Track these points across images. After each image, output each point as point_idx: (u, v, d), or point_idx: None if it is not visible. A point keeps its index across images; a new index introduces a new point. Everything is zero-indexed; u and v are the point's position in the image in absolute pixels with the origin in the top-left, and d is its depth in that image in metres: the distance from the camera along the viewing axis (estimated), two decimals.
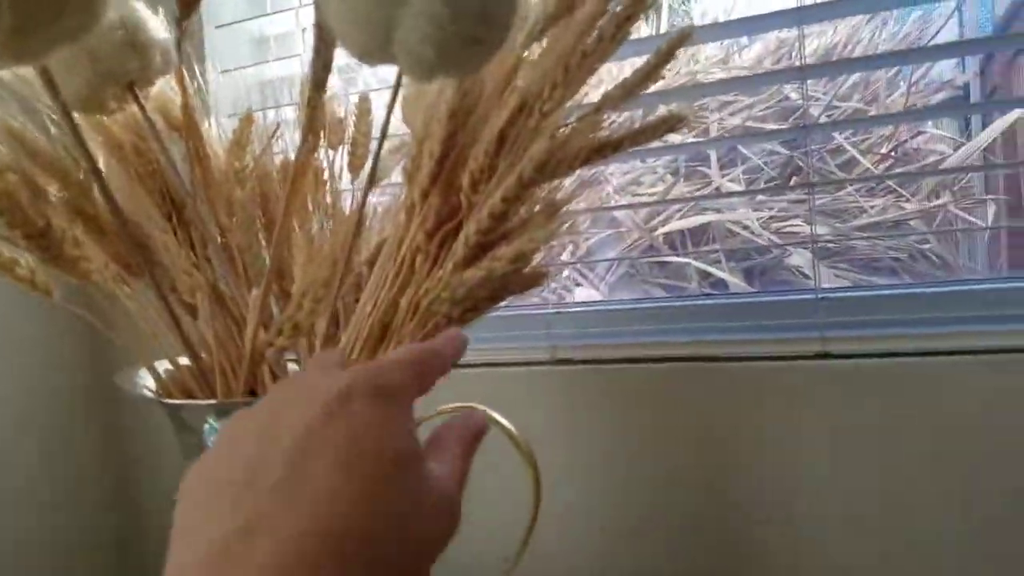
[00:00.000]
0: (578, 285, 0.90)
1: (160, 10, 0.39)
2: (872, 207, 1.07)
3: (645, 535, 0.57)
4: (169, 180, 0.43)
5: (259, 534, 0.18)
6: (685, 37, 0.35)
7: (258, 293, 0.32)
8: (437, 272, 0.37)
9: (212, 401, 0.34)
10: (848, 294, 0.55)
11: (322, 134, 0.48)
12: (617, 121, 0.40)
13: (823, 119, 1.05)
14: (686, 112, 0.38)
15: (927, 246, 1.04)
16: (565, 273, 0.71)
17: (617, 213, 0.96)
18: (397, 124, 0.47)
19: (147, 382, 0.37)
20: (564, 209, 0.38)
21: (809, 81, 0.84)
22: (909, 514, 0.51)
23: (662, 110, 0.42)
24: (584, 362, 0.59)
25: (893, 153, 1.13)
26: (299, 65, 0.67)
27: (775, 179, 1.05)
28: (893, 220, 1.00)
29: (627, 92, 0.39)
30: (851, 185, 1.01)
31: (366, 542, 0.19)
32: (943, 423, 0.50)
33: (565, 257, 0.82)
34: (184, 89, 0.43)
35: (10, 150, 0.40)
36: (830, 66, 0.61)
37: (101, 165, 0.44)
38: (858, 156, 1.10)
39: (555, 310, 0.61)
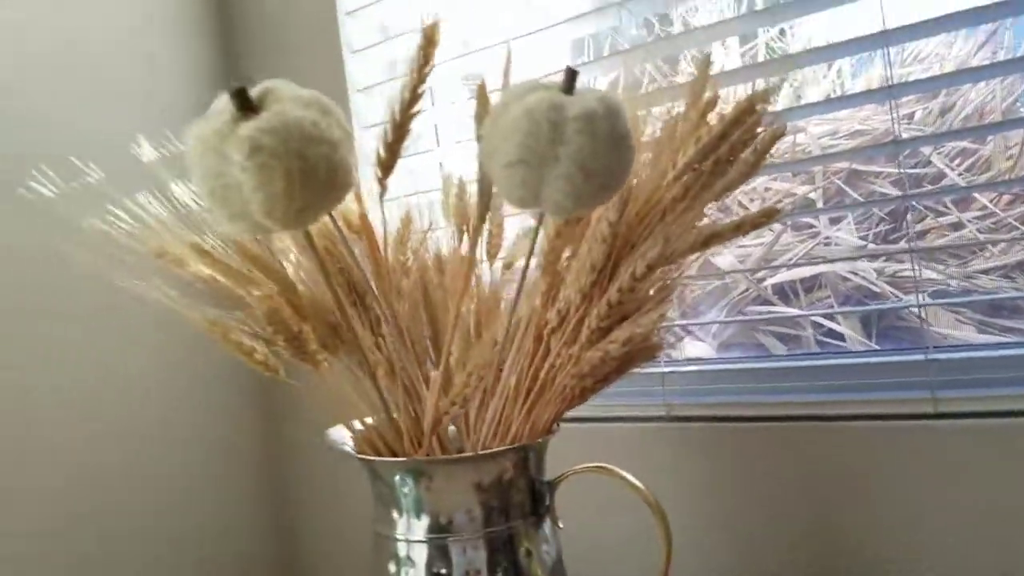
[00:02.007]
0: (685, 337, 0.95)
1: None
2: (995, 246, 1.04)
3: None
4: (354, 274, 0.54)
5: None
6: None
7: (437, 374, 0.42)
8: (568, 350, 0.45)
9: (402, 459, 0.43)
10: (960, 354, 0.57)
11: (465, 228, 0.58)
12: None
13: (933, 157, 1.04)
14: (782, 208, 0.44)
15: None
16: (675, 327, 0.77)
17: (722, 263, 1.00)
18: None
19: (345, 439, 0.48)
20: (675, 291, 0.45)
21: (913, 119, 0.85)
22: None
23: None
24: (698, 419, 0.63)
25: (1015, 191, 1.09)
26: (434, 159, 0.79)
27: (884, 220, 1.05)
28: (1016, 262, 0.97)
29: (725, 189, 0.46)
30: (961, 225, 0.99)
31: None
32: None
33: (674, 314, 0.88)
34: (361, 203, 0.55)
35: (235, 257, 0.53)
36: (924, 140, 0.64)
37: (293, 261, 0.57)
38: (976, 195, 1.07)
39: (669, 368, 0.67)
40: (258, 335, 0.44)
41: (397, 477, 0.43)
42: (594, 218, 0.45)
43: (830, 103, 0.60)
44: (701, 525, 0.63)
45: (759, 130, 0.41)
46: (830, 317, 1.02)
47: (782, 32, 1.05)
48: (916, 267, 0.58)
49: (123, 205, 0.52)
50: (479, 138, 0.37)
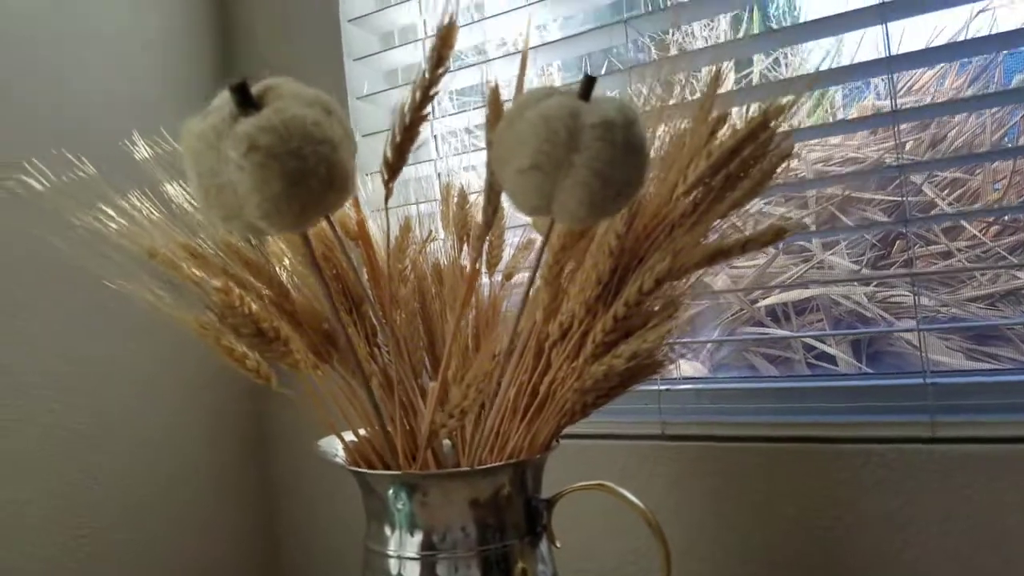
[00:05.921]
0: (682, 357, 0.94)
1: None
2: (983, 275, 1.06)
3: None
4: (349, 281, 0.52)
5: None
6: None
7: (435, 385, 0.40)
8: (570, 364, 0.44)
9: (396, 472, 0.42)
10: (958, 379, 0.57)
11: (465, 239, 0.57)
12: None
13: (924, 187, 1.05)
14: (793, 225, 0.44)
15: None
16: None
17: (717, 283, 1.00)
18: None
19: (337, 450, 0.46)
20: (681, 307, 0.44)
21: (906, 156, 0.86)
22: None
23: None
24: (694, 438, 0.63)
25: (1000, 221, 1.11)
26: (433, 167, 0.78)
27: (877, 246, 1.06)
28: (1004, 291, 0.98)
29: (733, 206, 0.46)
30: (957, 255, 1.00)
31: None
32: None
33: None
34: (359, 210, 0.54)
35: (228, 260, 0.51)
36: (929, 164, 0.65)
37: (288, 266, 0.55)
38: (966, 224, 1.09)
39: (665, 386, 0.66)
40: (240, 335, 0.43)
41: (391, 491, 0.41)
42: (600, 231, 0.44)
43: (834, 126, 0.61)
44: (698, 545, 0.62)
45: (771, 147, 0.41)
46: (821, 340, 1.02)
47: (776, 62, 1.06)
48: (915, 292, 0.57)
49: (115, 203, 0.51)
50: (490, 144, 0.36)
